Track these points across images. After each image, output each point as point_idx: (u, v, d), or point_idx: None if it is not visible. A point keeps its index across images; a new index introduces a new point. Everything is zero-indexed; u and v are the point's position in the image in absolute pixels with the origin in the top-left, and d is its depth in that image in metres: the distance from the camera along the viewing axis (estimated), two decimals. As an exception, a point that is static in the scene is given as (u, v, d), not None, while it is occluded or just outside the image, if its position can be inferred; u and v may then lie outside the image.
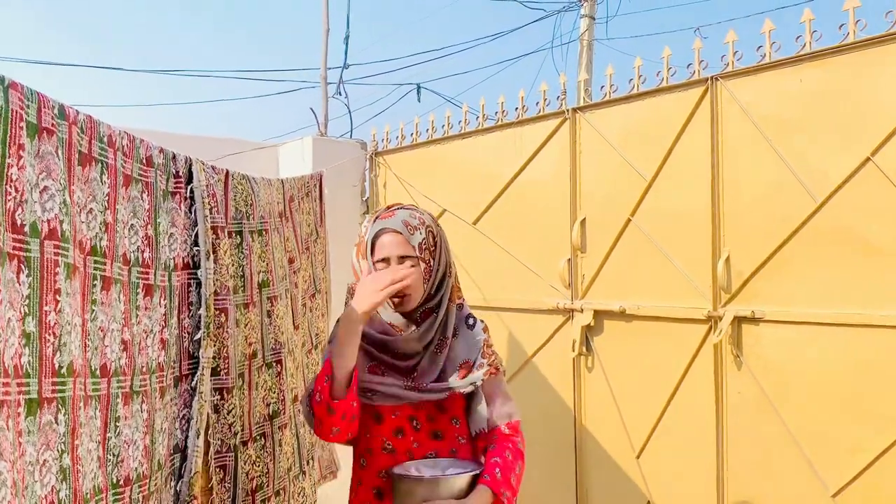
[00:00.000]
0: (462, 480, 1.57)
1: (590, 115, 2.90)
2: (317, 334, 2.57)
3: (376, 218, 1.76)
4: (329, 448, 2.93)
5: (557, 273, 2.99)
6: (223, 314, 1.64)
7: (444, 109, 3.51)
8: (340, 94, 4.00)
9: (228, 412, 1.68)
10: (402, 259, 1.69)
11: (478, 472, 1.61)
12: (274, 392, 1.93)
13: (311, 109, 3.77)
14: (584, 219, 2.92)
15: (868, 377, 2.15)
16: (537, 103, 3.08)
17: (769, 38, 2.37)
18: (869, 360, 2.15)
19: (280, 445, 1.93)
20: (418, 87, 7.26)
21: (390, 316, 1.72)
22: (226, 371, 1.65)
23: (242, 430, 1.79)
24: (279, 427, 1.96)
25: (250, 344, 1.81)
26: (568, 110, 2.96)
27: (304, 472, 2.10)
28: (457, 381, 1.71)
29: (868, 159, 2.16)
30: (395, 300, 1.68)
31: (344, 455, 3.57)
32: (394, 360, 1.70)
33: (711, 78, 2.52)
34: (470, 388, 1.73)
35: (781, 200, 2.34)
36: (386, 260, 1.69)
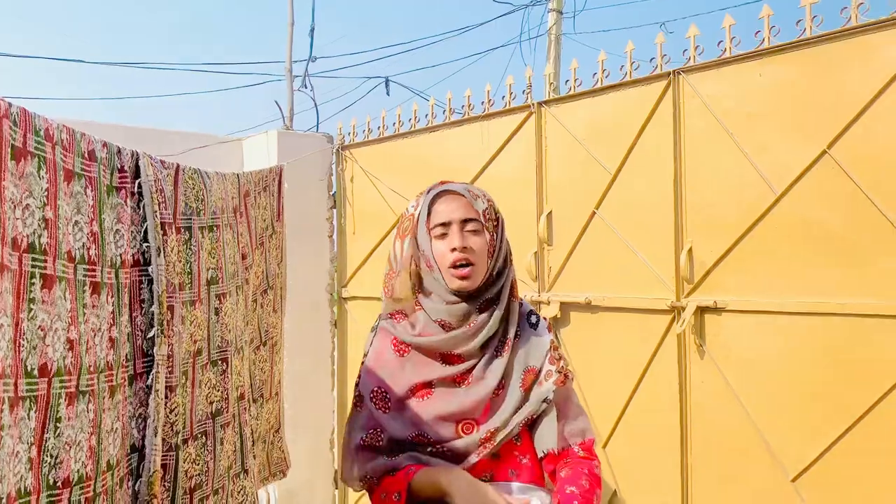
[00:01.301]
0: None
1: (555, 108, 2.91)
2: (266, 330, 2.55)
3: (428, 190, 1.56)
4: (280, 447, 2.90)
5: (524, 266, 2.99)
6: (169, 311, 1.61)
7: (413, 103, 3.49)
8: (306, 87, 3.96)
9: (171, 411, 1.65)
10: (464, 223, 1.47)
11: (549, 500, 1.41)
12: (218, 390, 1.91)
13: (276, 102, 3.73)
14: (551, 212, 2.92)
15: (825, 364, 2.19)
16: (503, 97, 3.08)
17: (729, 32, 2.39)
18: (826, 348, 2.19)
19: (221, 444, 1.91)
20: (387, 81, 7.23)
21: (443, 310, 1.48)
22: (170, 370, 1.62)
23: (184, 428, 1.76)
24: (222, 425, 1.93)
25: (195, 341, 1.79)
26: (534, 104, 2.96)
27: (245, 470, 2.08)
28: (526, 406, 1.47)
29: (825, 152, 2.18)
30: (462, 270, 1.45)
31: (298, 454, 3.54)
32: (443, 366, 1.48)
33: (674, 72, 2.53)
34: (543, 407, 1.48)
35: (742, 192, 2.37)
36: (447, 224, 1.47)
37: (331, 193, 3.84)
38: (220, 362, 1.96)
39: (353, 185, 3.76)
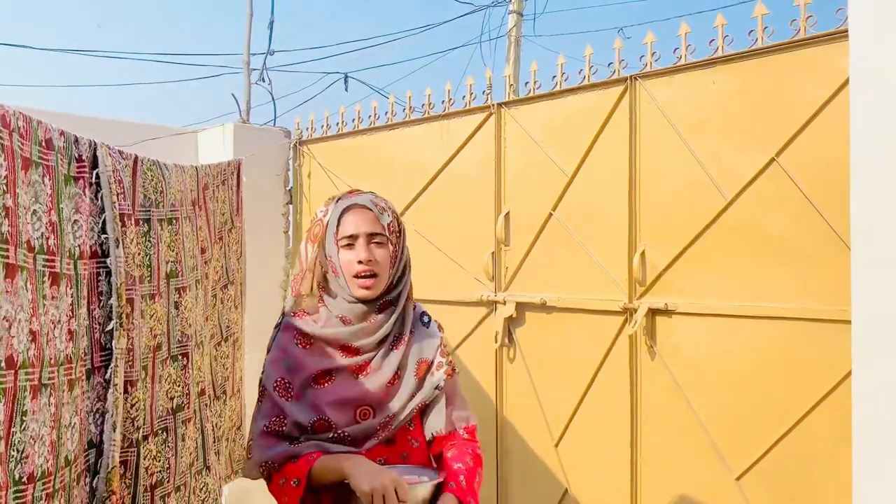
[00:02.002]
0: (426, 489, 1.48)
1: (514, 110, 2.94)
2: (228, 326, 2.52)
3: (338, 199, 1.66)
4: (242, 444, 2.88)
5: (482, 266, 3.01)
6: (130, 305, 1.58)
7: (372, 100, 3.48)
8: (264, 81, 3.91)
9: (132, 406, 1.62)
10: (370, 236, 1.59)
11: (441, 480, 1.52)
12: (179, 385, 1.88)
13: (233, 95, 3.68)
14: (508, 212, 2.95)
15: (770, 366, 2.27)
16: (464, 97, 3.10)
17: (685, 40, 2.45)
18: (771, 351, 2.27)
19: (183, 440, 1.88)
20: (346, 77, 7.17)
21: (345, 308, 1.60)
22: (130, 364, 1.59)
23: (144, 424, 1.73)
24: (183, 421, 1.90)
25: (155, 336, 1.76)
26: (493, 105, 2.99)
27: (207, 467, 2.05)
28: (420, 393, 1.61)
29: (773, 160, 2.26)
30: (366, 281, 1.58)
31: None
32: (343, 356, 1.59)
33: (631, 77, 2.59)
34: (436, 394, 1.64)
35: (694, 197, 2.43)
36: (353, 237, 1.59)
37: (287, 189, 3.80)
38: (180, 357, 1.93)
39: (311, 180, 3.73)
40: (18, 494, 1.20)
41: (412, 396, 1.61)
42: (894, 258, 1.73)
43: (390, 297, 1.65)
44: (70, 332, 1.33)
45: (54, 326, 1.28)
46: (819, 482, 2.16)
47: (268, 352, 1.64)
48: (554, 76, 2.80)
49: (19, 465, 1.20)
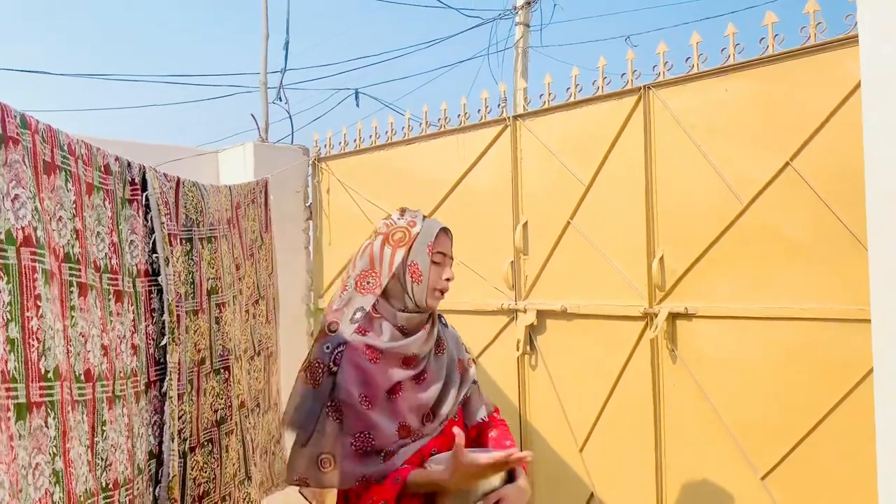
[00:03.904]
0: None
1: (530, 122, 3.01)
2: (260, 340, 2.58)
3: (423, 216, 1.85)
4: (281, 457, 2.93)
5: (501, 275, 3.07)
6: (177, 321, 1.65)
7: (383, 114, 3.56)
8: (281, 100, 4.00)
9: (178, 418, 1.69)
10: (451, 258, 1.84)
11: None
12: (222, 398, 1.94)
13: (252, 115, 3.76)
14: (526, 222, 3.01)
15: (791, 366, 2.31)
16: (479, 110, 3.17)
17: (696, 49, 2.52)
18: (791, 350, 2.31)
19: (227, 451, 1.95)
20: (356, 93, 7.27)
21: (404, 317, 1.74)
22: (178, 377, 1.66)
23: (191, 436, 1.79)
24: (226, 433, 1.97)
25: (199, 350, 1.82)
26: (509, 118, 3.06)
27: (249, 478, 2.11)
28: (462, 388, 1.84)
29: (787, 164, 2.32)
30: (442, 296, 1.80)
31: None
32: (405, 369, 1.73)
33: (644, 87, 2.65)
34: (473, 388, 1.90)
35: (710, 203, 2.49)
36: (444, 255, 1.80)
37: (307, 205, 3.88)
38: (222, 370, 1.99)
39: (329, 196, 3.80)
40: (108, 500, 1.27)
41: (458, 392, 1.83)
42: (912, 256, 1.79)
43: None
44: (134, 346, 1.40)
45: (120, 342, 1.35)
46: (844, 480, 2.20)
47: (314, 365, 1.71)
48: (568, 88, 2.87)
49: (105, 473, 1.27)
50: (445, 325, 1.94)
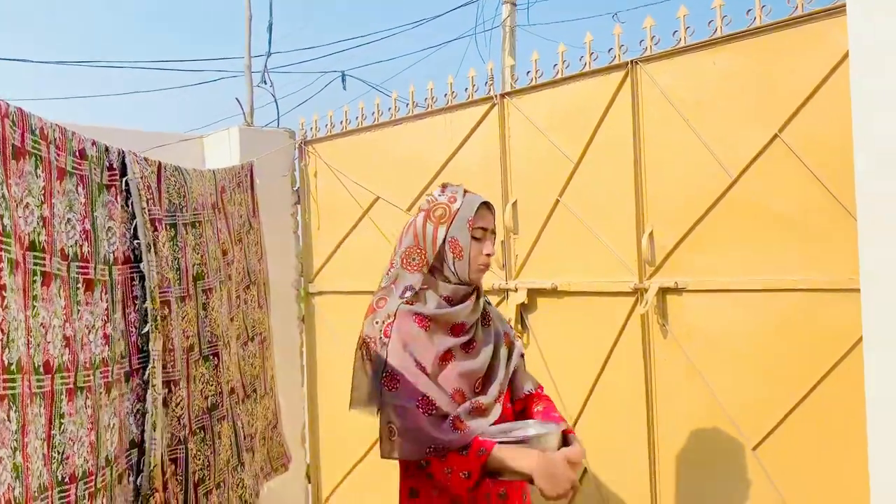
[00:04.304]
0: (558, 436, 1.73)
1: (517, 100, 2.98)
2: (252, 326, 2.56)
3: (464, 191, 1.87)
4: (279, 441, 2.93)
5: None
6: (166, 307, 1.63)
7: (371, 97, 3.52)
8: (266, 83, 3.95)
9: (177, 405, 1.68)
10: (493, 232, 1.86)
11: (566, 424, 1.83)
12: (212, 385, 1.93)
13: (237, 99, 3.72)
14: (516, 201, 3.00)
15: (781, 338, 2.31)
16: (466, 89, 3.14)
17: (683, 22, 2.49)
18: (780, 322, 2.31)
19: (219, 438, 1.94)
20: (343, 75, 7.22)
21: (450, 289, 1.79)
22: (172, 364, 1.64)
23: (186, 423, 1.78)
24: (218, 419, 1.96)
25: (187, 337, 1.81)
26: (496, 96, 3.03)
27: (241, 463, 2.10)
28: (511, 360, 1.89)
29: (776, 136, 2.30)
30: (485, 270, 1.84)
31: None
32: (453, 336, 1.78)
33: (631, 62, 2.63)
34: (520, 361, 1.95)
35: (699, 177, 2.48)
36: (484, 230, 1.83)
37: (294, 189, 3.85)
38: (211, 357, 1.98)
39: (317, 179, 3.77)
40: (62, 495, 1.25)
41: (507, 363, 1.87)
42: (900, 225, 1.78)
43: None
44: (106, 336, 1.38)
45: (89, 331, 1.32)
46: (835, 449, 2.21)
47: (367, 341, 1.77)
48: (555, 64, 2.84)
49: (61, 466, 1.24)
50: (488, 302, 1.97)
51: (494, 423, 1.75)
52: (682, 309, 2.55)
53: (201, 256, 1.92)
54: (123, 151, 1.51)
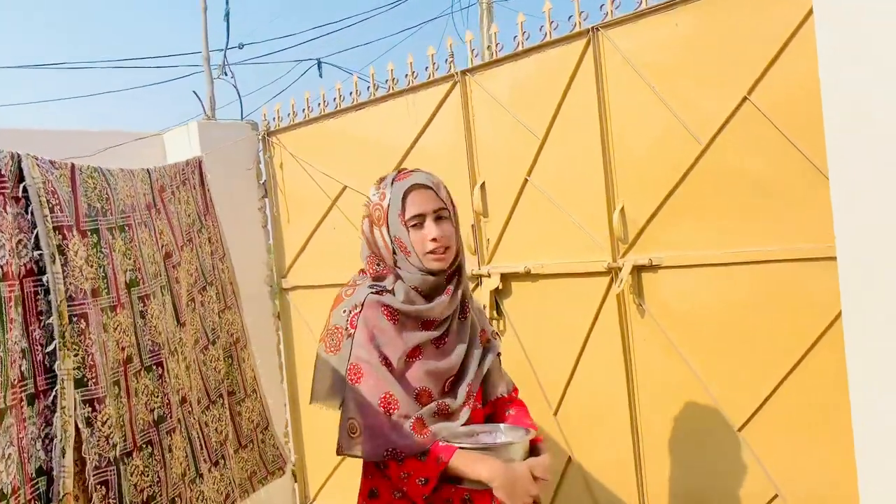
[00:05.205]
0: (526, 444, 1.63)
1: (479, 76, 2.85)
2: (213, 329, 2.45)
3: (392, 181, 1.73)
4: (273, 443, 2.84)
5: (463, 240, 2.94)
6: (83, 320, 1.51)
7: (336, 81, 3.39)
8: (226, 75, 3.81)
9: (104, 423, 1.56)
10: (436, 213, 1.67)
11: (535, 432, 1.69)
12: (157, 396, 1.82)
13: (195, 93, 3.59)
14: (484, 183, 2.88)
15: (762, 312, 2.20)
16: (426, 68, 3.01)
17: (644, -16, 2.36)
18: (761, 296, 2.20)
19: (170, 451, 1.83)
20: (319, 63, 7.07)
21: (419, 279, 1.67)
22: (94, 380, 1.52)
23: (125, 440, 1.68)
24: (167, 432, 1.85)
25: (123, 348, 1.69)
26: (457, 73, 2.90)
27: (200, 475, 2.00)
28: (486, 360, 1.77)
29: (745, 98, 2.17)
30: (439, 255, 1.66)
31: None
32: (424, 331, 1.68)
33: (592, 29, 2.49)
34: (496, 361, 1.82)
35: (669, 147, 2.35)
36: (421, 217, 1.66)
37: (261, 182, 3.72)
38: (154, 367, 1.87)
39: (283, 171, 3.65)
40: None
41: (481, 363, 1.75)
42: (872, 182, 1.66)
43: (455, 266, 1.74)
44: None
45: None
46: (822, 426, 2.10)
47: (332, 330, 1.67)
48: (514, 36, 2.70)
49: None
50: (471, 297, 1.86)
51: (464, 425, 1.67)
52: (658, 287, 2.44)
53: (134, 262, 1.80)
54: (19, 155, 1.39)
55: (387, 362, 1.63)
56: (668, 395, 2.44)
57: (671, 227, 2.38)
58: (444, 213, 1.69)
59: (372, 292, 1.69)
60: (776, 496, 2.22)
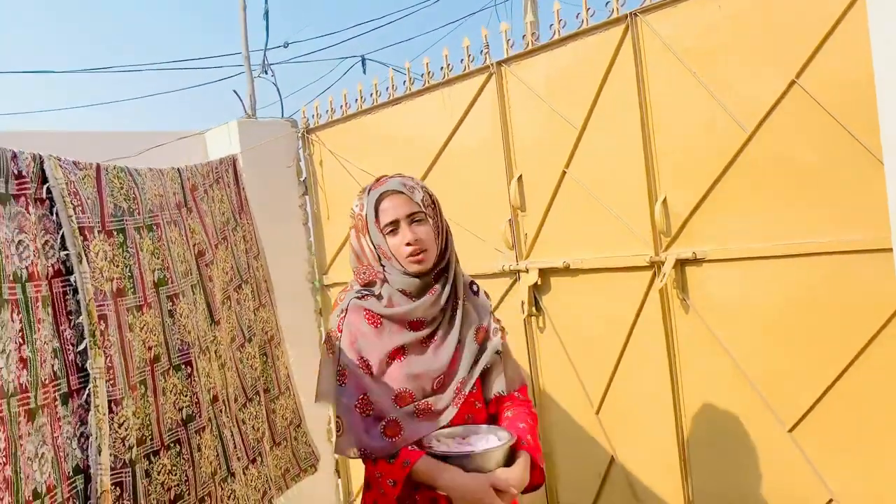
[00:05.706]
0: (503, 451, 1.60)
1: (515, 66, 2.78)
2: (249, 326, 2.46)
3: (368, 190, 1.77)
4: (305, 441, 2.85)
5: (500, 235, 2.89)
6: (102, 321, 1.51)
7: (373, 77, 3.36)
8: (267, 73, 3.83)
9: (120, 425, 1.57)
10: (410, 217, 1.70)
11: (515, 440, 1.64)
12: (186, 395, 1.82)
13: (235, 92, 3.61)
14: (521, 175, 2.81)
15: (813, 307, 2.09)
16: (461, 60, 2.96)
17: (684, -35, 2.25)
18: (810, 289, 2.08)
19: (199, 450, 1.83)
20: (363, 59, 7.08)
21: (404, 281, 1.70)
22: (111, 382, 1.53)
23: (152, 439, 1.68)
24: (196, 431, 1.85)
25: (150, 348, 1.70)
26: (493, 64, 2.84)
27: (231, 474, 2.00)
28: (483, 358, 1.74)
29: (793, 82, 2.06)
30: (416, 258, 1.69)
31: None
32: (411, 332, 1.70)
33: (630, 14, 2.40)
34: (496, 357, 1.77)
35: (712, 134, 2.25)
36: (395, 223, 1.70)
37: (301, 179, 3.73)
38: (183, 366, 1.87)
39: (323, 168, 3.65)
40: None
41: (476, 362, 1.73)
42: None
43: (442, 266, 1.76)
44: (22, 359, 1.27)
45: None
46: (881, 427, 1.98)
47: (330, 335, 1.74)
48: (551, 24, 2.63)
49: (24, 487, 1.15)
50: (475, 292, 1.87)
51: (451, 424, 1.69)
52: (702, 281, 2.34)
53: (162, 261, 1.80)
54: (41, 156, 1.40)
55: (365, 365, 1.68)
56: (714, 394, 2.34)
57: (716, 219, 2.27)
58: (418, 217, 1.71)
59: (356, 297, 1.74)
60: (831, 501, 2.10)
